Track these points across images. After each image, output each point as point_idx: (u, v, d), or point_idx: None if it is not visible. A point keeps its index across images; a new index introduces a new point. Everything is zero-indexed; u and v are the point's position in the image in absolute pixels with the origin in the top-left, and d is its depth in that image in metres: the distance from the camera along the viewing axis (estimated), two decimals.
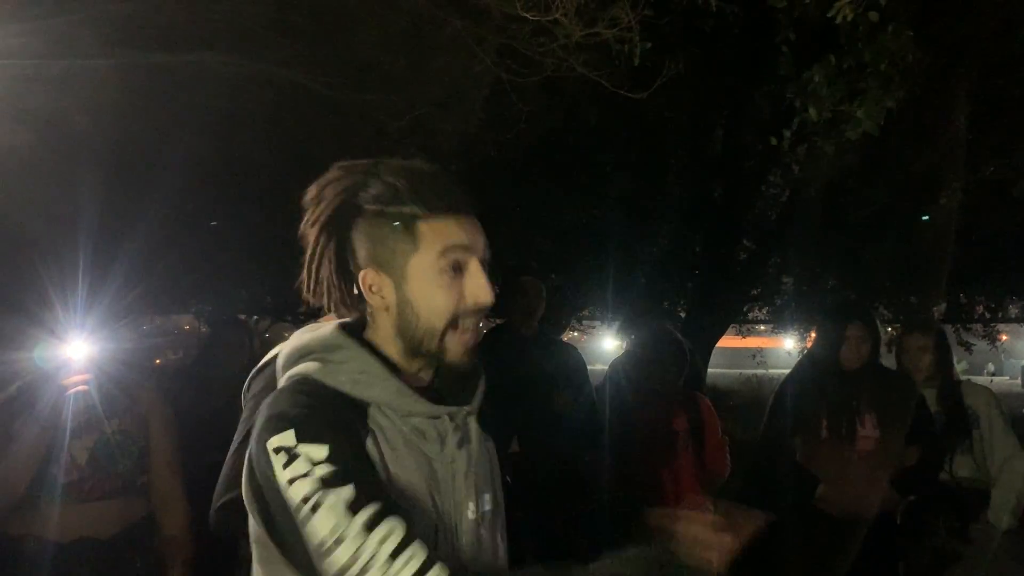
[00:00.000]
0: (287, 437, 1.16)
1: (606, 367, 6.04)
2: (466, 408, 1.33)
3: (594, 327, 14.30)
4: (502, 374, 2.45)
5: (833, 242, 7.35)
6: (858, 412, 3.39)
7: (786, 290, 9.34)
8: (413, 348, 1.29)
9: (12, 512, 2.25)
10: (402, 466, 1.23)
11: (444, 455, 1.28)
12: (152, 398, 2.55)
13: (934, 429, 3.52)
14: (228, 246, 5.81)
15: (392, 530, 1.12)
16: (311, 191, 1.31)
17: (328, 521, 1.12)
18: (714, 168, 7.39)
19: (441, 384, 1.34)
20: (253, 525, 1.25)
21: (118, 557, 2.37)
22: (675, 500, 3.46)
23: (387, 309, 1.29)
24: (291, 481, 1.14)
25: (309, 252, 1.31)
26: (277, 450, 1.16)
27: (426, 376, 1.33)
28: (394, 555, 1.11)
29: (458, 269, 1.27)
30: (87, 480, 2.34)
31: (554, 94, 4.95)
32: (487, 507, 1.35)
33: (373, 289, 1.29)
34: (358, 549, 1.11)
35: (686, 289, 8.72)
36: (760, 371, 15.67)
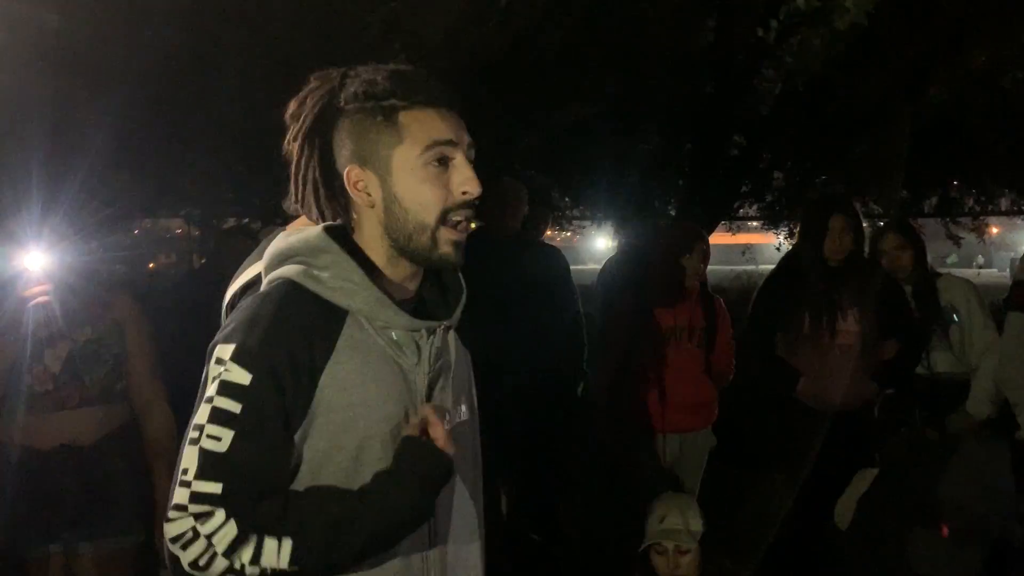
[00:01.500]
0: (226, 350, 1.18)
1: (598, 267, 6.04)
2: (445, 322, 1.33)
3: (584, 227, 14.22)
4: (480, 279, 2.44)
5: (824, 136, 7.25)
6: (840, 306, 3.43)
7: (777, 186, 9.27)
8: (401, 247, 1.27)
9: None
10: (376, 379, 1.24)
11: (420, 367, 1.28)
12: (126, 305, 2.54)
13: (913, 322, 3.56)
14: (210, 147, 5.71)
15: (218, 524, 1.13)
16: (291, 106, 1.30)
17: (189, 459, 1.16)
18: (704, 62, 7.22)
19: (425, 296, 1.35)
20: None
21: (101, 462, 2.41)
22: (690, 399, 3.53)
23: (373, 207, 1.28)
24: (203, 399, 1.18)
25: (294, 164, 1.31)
26: (218, 360, 1.19)
27: (411, 286, 1.33)
28: (211, 535, 1.13)
29: (444, 162, 1.26)
30: (62, 389, 2.36)
31: None
32: (463, 416, 1.37)
33: (359, 186, 1.27)
34: (186, 499, 1.14)
35: (676, 186, 8.65)
36: (750, 267, 15.75)
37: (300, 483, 1.20)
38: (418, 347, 1.29)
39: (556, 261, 3.99)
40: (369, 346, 1.24)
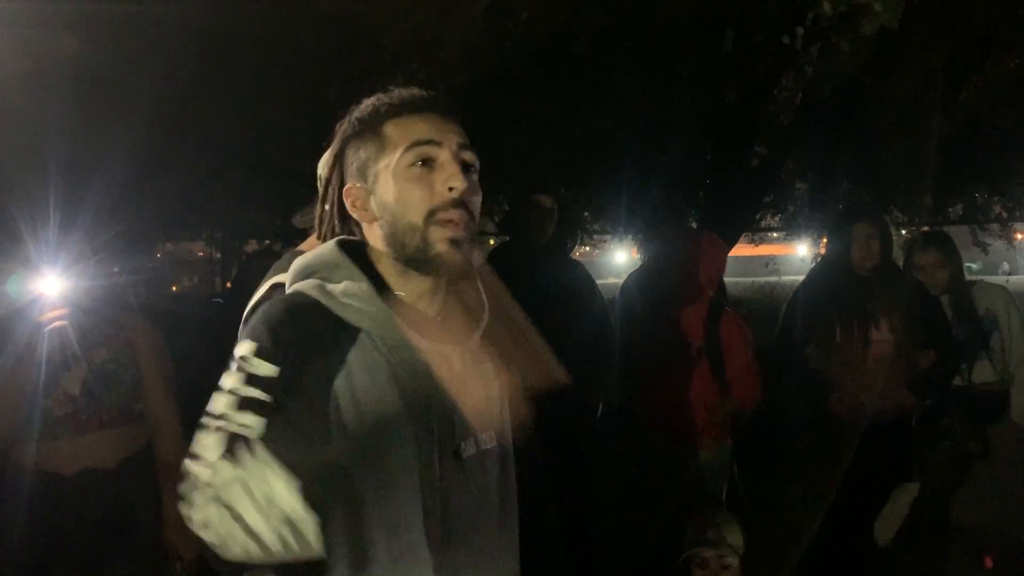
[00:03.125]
0: (247, 347, 1.18)
1: (618, 280, 5.97)
2: (459, 348, 1.29)
3: (605, 241, 14.16)
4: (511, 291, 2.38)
5: (848, 145, 7.16)
6: (872, 316, 3.36)
7: (800, 196, 9.19)
8: (402, 255, 1.26)
9: (13, 447, 2.26)
10: (384, 399, 1.20)
11: (434, 391, 1.24)
12: (138, 325, 2.53)
13: (949, 331, 3.48)
14: (228, 170, 5.72)
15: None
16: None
17: (208, 444, 1.14)
18: (725, 72, 7.17)
19: (447, 318, 1.32)
20: None
21: (123, 485, 2.39)
22: (683, 417, 3.35)
23: (372, 221, 1.29)
24: (222, 391, 1.17)
25: (320, 195, 1.40)
26: (239, 357, 1.18)
27: (429, 305, 1.30)
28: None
29: (428, 163, 1.25)
30: (82, 411, 2.35)
31: None
32: (487, 445, 1.31)
33: (357, 204, 1.30)
34: (208, 478, 1.11)
35: (698, 198, 8.58)
36: (773, 279, 15.64)
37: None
38: (430, 371, 1.24)
39: (580, 273, 3.92)
40: (379, 366, 1.21)
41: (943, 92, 5.60)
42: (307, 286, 1.24)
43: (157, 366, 2.51)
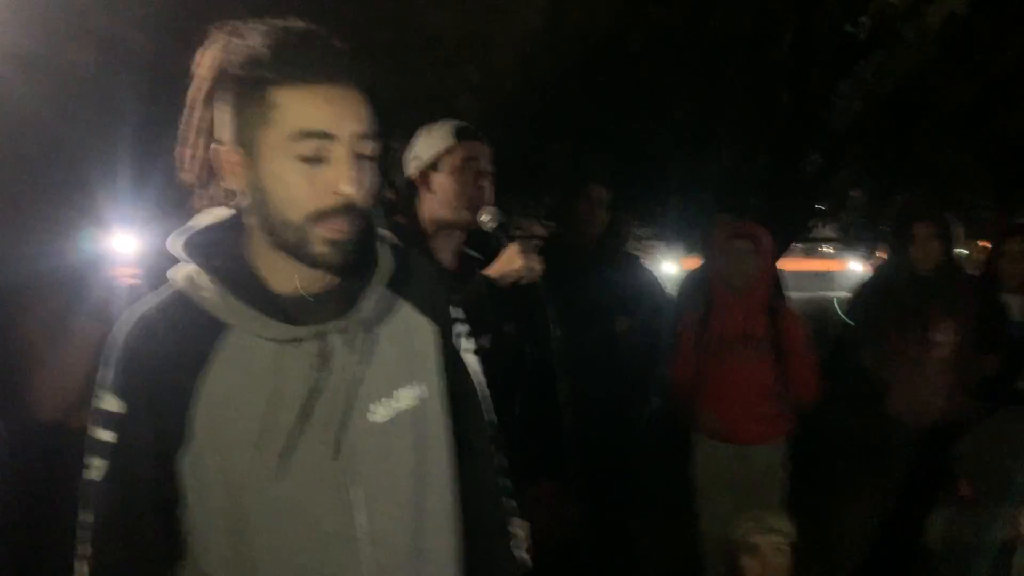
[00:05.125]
0: (105, 375, 1.13)
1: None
2: (336, 323, 1.14)
3: (653, 246, 13.99)
4: (557, 288, 2.31)
5: (907, 150, 6.98)
6: (932, 318, 3.27)
7: (855, 204, 9.00)
8: (276, 242, 1.11)
9: (78, 406, 2.25)
10: (264, 387, 1.10)
11: (324, 367, 1.13)
12: None
13: (1013, 335, 3.37)
14: None
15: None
16: (197, 60, 1.13)
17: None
18: (781, 75, 7.05)
19: (327, 291, 1.18)
20: None
21: None
22: (745, 410, 3.23)
23: (246, 191, 1.12)
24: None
25: (183, 127, 1.14)
26: (96, 384, 1.14)
27: (311, 283, 1.16)
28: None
29: (318, 155, 1.07)
30: None
31: None
32: (403, 404, 1.20)
33: (227, 168, 1.11)
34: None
35: (750, 204, 8.45)
36: (827, 294, 15.36)
37: (191, 503, 1.13)
38: (318, 350, 1.13)
39: (637, 271, 3.84)
40: (254, 352, 1.11)
41: (1011, 93, 5.40)
42: (181, 275, 1.14)
43: None
